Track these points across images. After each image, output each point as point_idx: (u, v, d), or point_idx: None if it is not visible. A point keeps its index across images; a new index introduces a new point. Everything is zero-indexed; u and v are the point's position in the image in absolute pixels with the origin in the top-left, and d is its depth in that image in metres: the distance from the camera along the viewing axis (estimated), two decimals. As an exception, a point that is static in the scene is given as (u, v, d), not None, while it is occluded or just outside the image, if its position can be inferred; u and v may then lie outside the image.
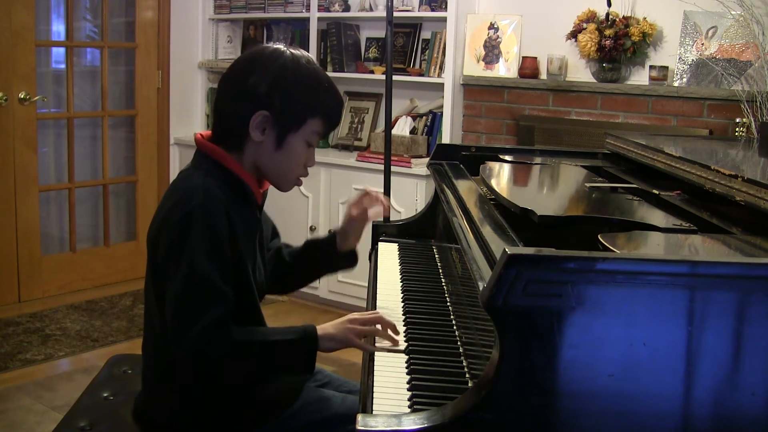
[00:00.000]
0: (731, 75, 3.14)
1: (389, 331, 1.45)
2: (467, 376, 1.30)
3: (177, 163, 4.59)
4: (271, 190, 1.61)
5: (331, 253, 1.75)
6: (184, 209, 1.39)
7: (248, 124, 1.46)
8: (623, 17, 3.41)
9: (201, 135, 1.53)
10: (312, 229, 4.03)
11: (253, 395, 1.51)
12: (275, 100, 1.45)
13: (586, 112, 3.50)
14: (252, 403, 1.50)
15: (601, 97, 3.45)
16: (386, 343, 1.43)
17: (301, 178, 1.55)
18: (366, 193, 1.76)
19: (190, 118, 4.67)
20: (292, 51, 1.49)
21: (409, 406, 1.17)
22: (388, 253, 2.04)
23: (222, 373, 1.40)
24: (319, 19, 4.18)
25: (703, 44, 3.24)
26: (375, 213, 1.77)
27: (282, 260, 1.72)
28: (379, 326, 1.45)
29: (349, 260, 1.77)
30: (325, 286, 3.95)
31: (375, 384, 1.25)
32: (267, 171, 1.52)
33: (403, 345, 1.43)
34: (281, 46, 1.50)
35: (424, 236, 2.16)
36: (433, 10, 3.90)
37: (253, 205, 1.53)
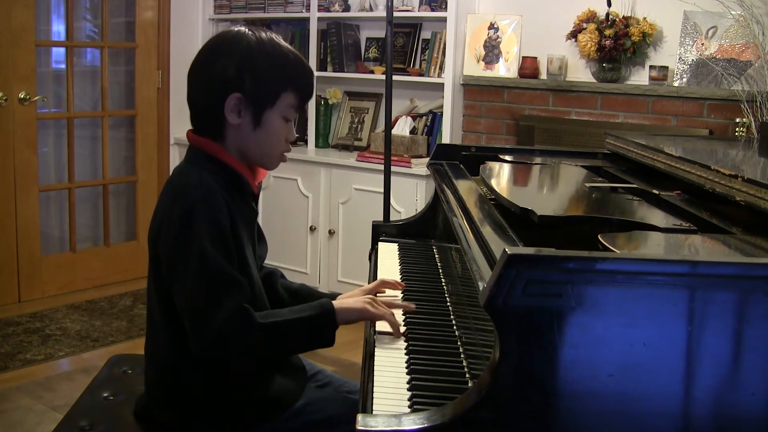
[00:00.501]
0: (731, 75, 3.14)
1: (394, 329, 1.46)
2: (467, 376, 1.30)
3: (177, 163, 4.58)
4: (268, 189, 1.62)
5: None
6: (184, 205, 1.39)
7: (223, 110, 1.47)
8: (623, 17, 3.41)
9: (192, 131, 1.54)
10: (312, 229, 4.03)
11: (255, 395, 1.51)
12: (245, 81, 1.46)
13: (586, 112, 3.51)
14: (253, 403, 1.51)
15: (601, 97, 3.45)
16: (388, 338, 1.44)
17: (285, 155, 1.57)
18: (383, 282, 1.73)
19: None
20: (254, 31, 1.51)
21: (409, 406, 1.17)
22: (388, 253, 2.04)
23: (244, 359, 1.44)
24: (319, 19, 4.18)
25: (703, 44, 3.24)
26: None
27: (275, 289, 1.72)
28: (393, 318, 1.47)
29: None
30: (325, 286, 3.95)
31: (375, 384, 1.25)
32: (250, 152, 1.52)
33: (403, 344, 1.43)
34: (242, 28, 1.51)
35: (424, 236, 2.16)
36: (433, 10, 3.90)
37: (248, 195, 1.54)
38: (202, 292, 1.36)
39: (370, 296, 1.55)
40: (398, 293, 1.71)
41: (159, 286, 1.46)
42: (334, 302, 1.46)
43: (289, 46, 1.54)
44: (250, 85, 1.46)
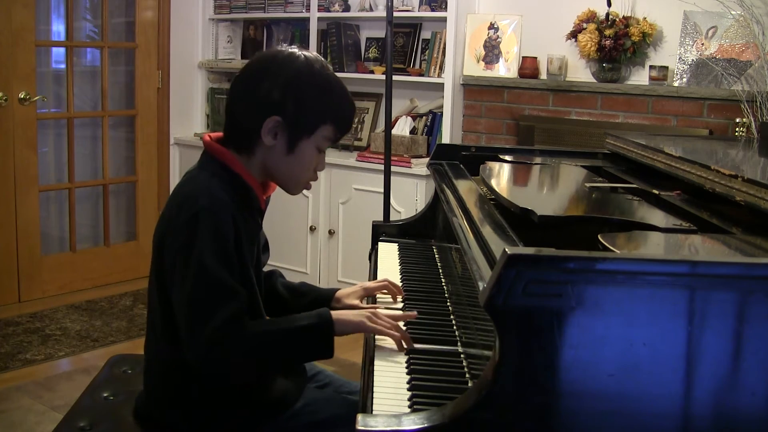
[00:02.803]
0: (731, 75, 3.14)
1: (402, 341, 1.43)
2: (467, 376, 1.30)
3: (177, 163, 4.59)
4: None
5: (322, 305, 1.72)
6: (190, 211, 1.39)
7: (260, 129, 1.46)
8: (623, 17, 3.41)
9: (209, 136, 1.53)
10: (312, 229, 4.03)
11: (255, 396, 1.51)
12: (288, 106, 1.45)
13: (586, 112, 3.51)
14: (253, 404, 1.50)
15: (601, 97, 3.45)
16: (389, 341, 1.43)
17: (311, 183, 1.56)
18: (386, 285, 1.72)
19: (190, 118, 4.67)
20: (306, 55, 1.49)
21: (409, 406, 1.17)
22: (388, 253, 2.04)
23: (240, 369, 1.40)
24: (319, 19, 4.18)
25: (703, 44, 3.24)
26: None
27: (275, 288, 1.72)
28: (394, 332, 1.43)
29: None
30: (325, 286, 3.94)
31: (375, 384, 1.25)
32: (277, 175, 1.52)
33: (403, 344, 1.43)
34: (296, 50, 1.50)
35: (424, 236, 2.16)
36: (433, 10, 3.90)
37: (255, 210, 1.53)
38: (199, 300, 1.35)
39: (371, 308, 1.52)
40: (398, 303, 1.69)
41: (161, 289, 1.46)
42: (332, 313, 1.43)
43: (336, 77, 1.52)
44: (292, 111, 1.45)
